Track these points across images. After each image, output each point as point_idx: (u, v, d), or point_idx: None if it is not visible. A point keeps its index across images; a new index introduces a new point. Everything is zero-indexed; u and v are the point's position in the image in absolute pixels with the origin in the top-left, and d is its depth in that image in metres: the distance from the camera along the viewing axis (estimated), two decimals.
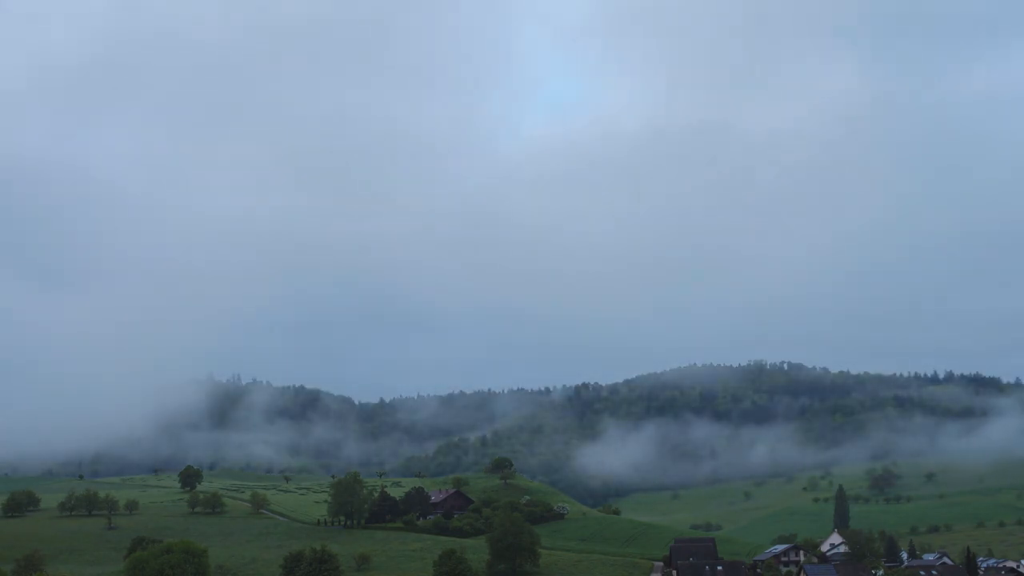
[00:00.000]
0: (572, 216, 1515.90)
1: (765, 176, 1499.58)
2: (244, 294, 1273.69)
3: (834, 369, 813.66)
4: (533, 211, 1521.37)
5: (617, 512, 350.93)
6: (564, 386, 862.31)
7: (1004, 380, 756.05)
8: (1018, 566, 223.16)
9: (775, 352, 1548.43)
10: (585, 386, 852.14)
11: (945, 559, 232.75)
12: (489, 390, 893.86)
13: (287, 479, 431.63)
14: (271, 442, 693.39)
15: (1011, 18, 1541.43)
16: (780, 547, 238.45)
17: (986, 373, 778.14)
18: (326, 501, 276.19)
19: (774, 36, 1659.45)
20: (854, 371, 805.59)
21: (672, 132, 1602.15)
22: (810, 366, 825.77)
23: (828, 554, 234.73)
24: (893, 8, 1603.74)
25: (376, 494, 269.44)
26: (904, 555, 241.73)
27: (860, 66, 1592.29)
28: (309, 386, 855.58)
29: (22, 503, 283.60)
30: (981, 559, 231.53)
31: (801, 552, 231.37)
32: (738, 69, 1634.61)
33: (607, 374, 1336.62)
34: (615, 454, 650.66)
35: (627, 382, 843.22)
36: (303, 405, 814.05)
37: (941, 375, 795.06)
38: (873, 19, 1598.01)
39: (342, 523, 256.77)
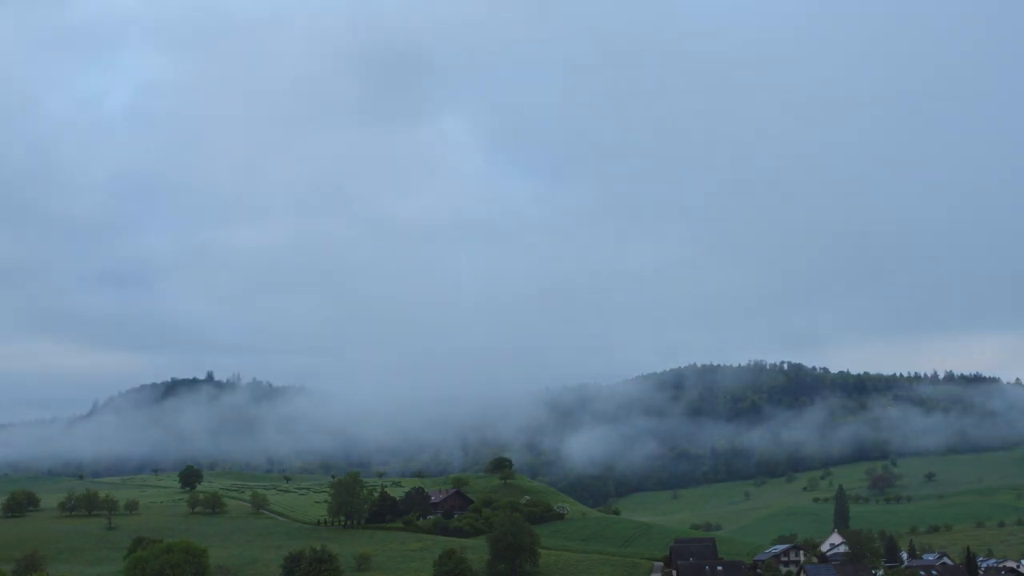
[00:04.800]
0: None
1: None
2: None
3: (834, 369, 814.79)
4: None
5: (617, 512, 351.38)
6: (564, 386, 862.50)
7: (1004, 380, 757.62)
8: (1018, 566, 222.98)
9: (775, 352, 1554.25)
10: (585, 386, 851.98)
11: (945, 559, 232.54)
12: (490, 390, 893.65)
13: (287, 479, 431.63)
14: None
15: None
16: (780, 547, 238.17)
17: (986, 373, 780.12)
18: (326, 501, 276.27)
19: None
20: (854, 371, 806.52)
21: None
22: (810, 366, 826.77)
23: (828, 554, 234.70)
24: None
25: (376, 494, 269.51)
26: (904, 555, 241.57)
27: None
28: None
29: (22, 503, 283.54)
30: (981, 559, 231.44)
31: (801, 552, 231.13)
32: None
33: (607, 374, 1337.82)
34: (615, 454, 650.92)
35: (627, 382, 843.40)
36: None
37: (941, 375, 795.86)
38: None
39: (342, 523, 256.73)
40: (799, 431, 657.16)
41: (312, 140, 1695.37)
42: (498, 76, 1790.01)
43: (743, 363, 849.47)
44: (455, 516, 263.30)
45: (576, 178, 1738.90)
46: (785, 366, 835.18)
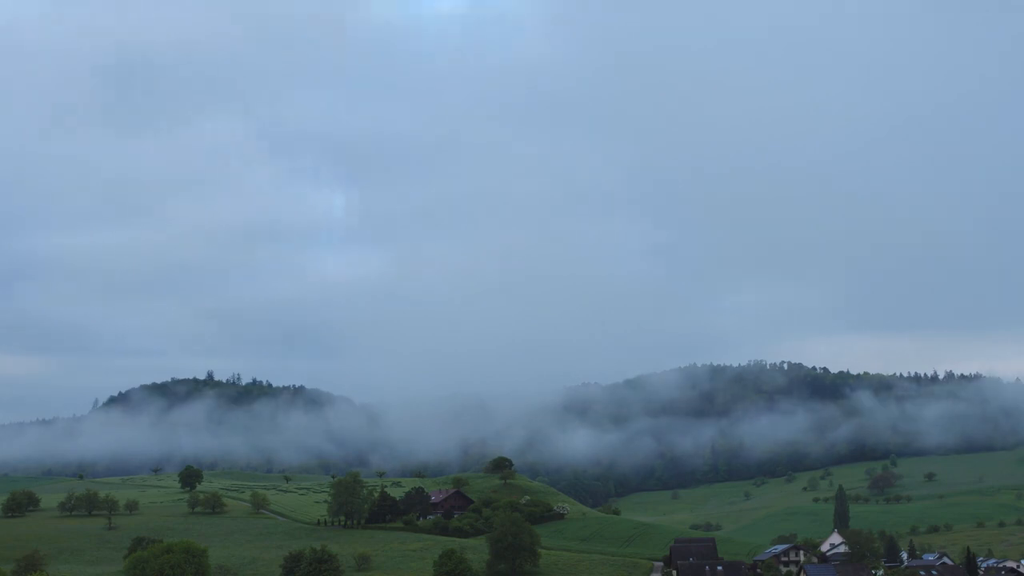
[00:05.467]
0: None
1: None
2: None
3: (834, 369, 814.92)
4: None
5: (617, 512, 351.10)
6: (565, 386, 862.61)
7: (1004, 380, 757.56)
8: (1018, 566, 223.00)
9: (775, 352, 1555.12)
10: (585, 386, 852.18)
11: (945, 559, 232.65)
12: (489, 390, 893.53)
13: (287, 479, 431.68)
14: None
15: None
16: (780, 547, 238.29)
17: (986, 373, 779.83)
18: (326, 501, 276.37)
19: None
20: (854, 371, 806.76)
21: None
22: (810, 366, 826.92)
23: (828, 554, 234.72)
24: None
25: (376, 494, 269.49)
26: (904, 555, 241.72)
27: None
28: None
29: (22, 503, 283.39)
30: (981, 559, 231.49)
31: (801, 552, 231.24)
32: None
33: (607, 374, 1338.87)
34: (615, 454, 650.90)
35: (627, 382, 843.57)
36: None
37: (941, 375, 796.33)
38: None
39: (342, 523, 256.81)
40: (799, 431, 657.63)
41: (82, 148, 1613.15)
42: (267, 87, 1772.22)
43: (743, 363, 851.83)
44: (455, 516, 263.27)
45: (378, 184, 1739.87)
46: (785, 366, 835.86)
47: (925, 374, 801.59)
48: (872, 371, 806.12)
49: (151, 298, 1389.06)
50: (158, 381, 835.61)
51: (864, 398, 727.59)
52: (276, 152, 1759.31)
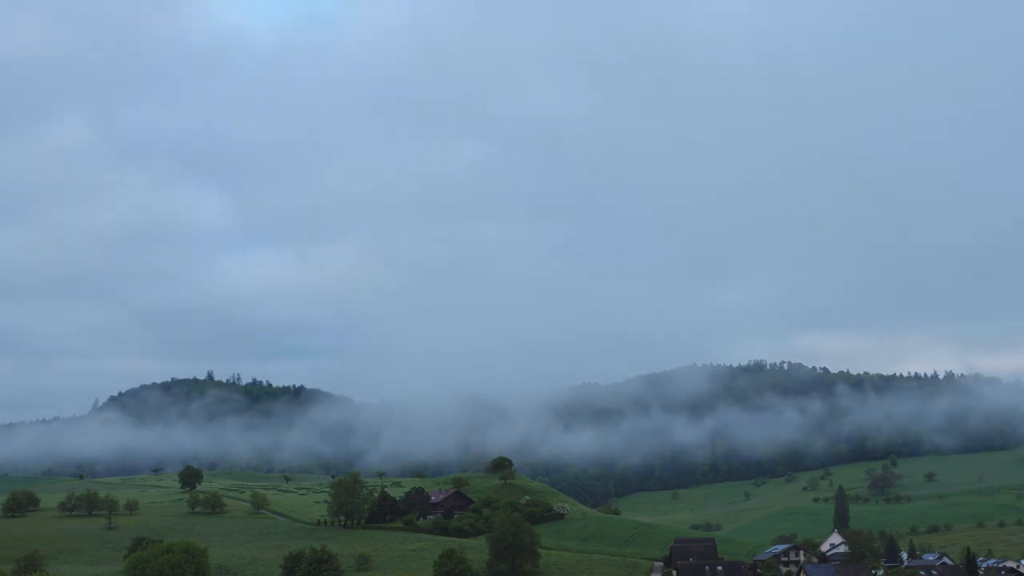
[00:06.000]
0: None
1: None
2: None
3: (834, 369, 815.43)
4: None
5: (617, 512, 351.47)
6: (565, 386, 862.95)
7: (1004, 380, 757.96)
8: (1018, 566, 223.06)
9: (775, 352, 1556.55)
10: (585, 386, 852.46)
11: (945, 559, 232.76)
12: (489, 390, 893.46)
13: (287, 479, 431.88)
14: None
15: None
16: (780, 547, 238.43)
17: (986, 373, 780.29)
18: (326, 501, 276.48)
19: None
20: (854, 371, 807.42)
21: None
22: (810, 366, 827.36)
23: (828, 554, 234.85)
24: None
25: (376, 494, 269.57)
26: (904, 555, 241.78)
27: None
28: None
29: (22, 503, 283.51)
30: (981, 559, 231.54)
31: (801, 552, 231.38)
32: None
33: (607, 374, 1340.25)
34: (615, 454, 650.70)
35: (627, 382, 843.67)
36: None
37: (941, 375, 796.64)
38: None
39: (342, 523, 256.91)
40: (799, 431, 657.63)
41: None
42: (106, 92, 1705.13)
43: (743, 362, 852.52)
44: (455, 516, 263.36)
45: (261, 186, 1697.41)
46: (785, 366, 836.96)
47: (925, 374, 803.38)
48: (872, 371, 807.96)
49: (55, 299, 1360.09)
50: (158, 381, 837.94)
51: (864, 398, 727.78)
52: (133, 157, 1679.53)
